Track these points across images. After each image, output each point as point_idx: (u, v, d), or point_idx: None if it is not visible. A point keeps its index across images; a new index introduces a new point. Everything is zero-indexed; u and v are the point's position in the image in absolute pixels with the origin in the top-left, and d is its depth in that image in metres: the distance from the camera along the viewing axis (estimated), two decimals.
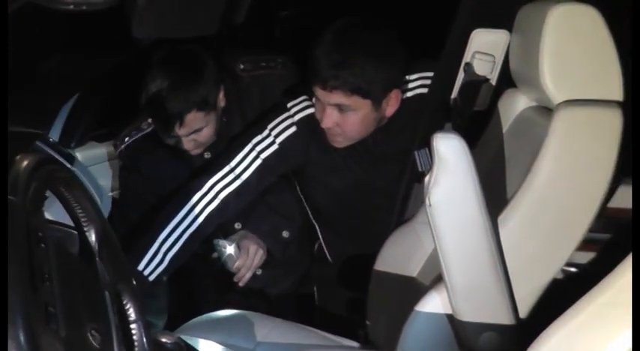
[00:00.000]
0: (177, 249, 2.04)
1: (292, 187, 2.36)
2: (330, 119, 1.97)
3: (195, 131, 2.10)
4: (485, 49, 1.88)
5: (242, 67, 2.25)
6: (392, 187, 2.12)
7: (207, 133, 2.13)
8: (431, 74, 2.05)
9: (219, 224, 2.16)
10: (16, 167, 0.98)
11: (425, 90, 2.07)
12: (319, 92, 1.95)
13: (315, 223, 2.37)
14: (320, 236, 2.39)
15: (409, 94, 2.06)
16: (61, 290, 1.01)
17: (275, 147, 2.09)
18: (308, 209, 2.36)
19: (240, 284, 2.25)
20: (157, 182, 2.27)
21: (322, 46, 1.91)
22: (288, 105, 2.12)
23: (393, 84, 1.96)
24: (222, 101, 2.15)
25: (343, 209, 2.27)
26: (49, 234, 1.08)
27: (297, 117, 2.10)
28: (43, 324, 0.92)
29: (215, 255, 2.26)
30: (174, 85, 2.01)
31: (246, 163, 2.08)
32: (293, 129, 2.10)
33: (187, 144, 2.14)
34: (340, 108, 1.94)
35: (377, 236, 2.09)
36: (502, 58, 1.88)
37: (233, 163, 2.09)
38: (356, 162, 2.14)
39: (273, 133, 2.10)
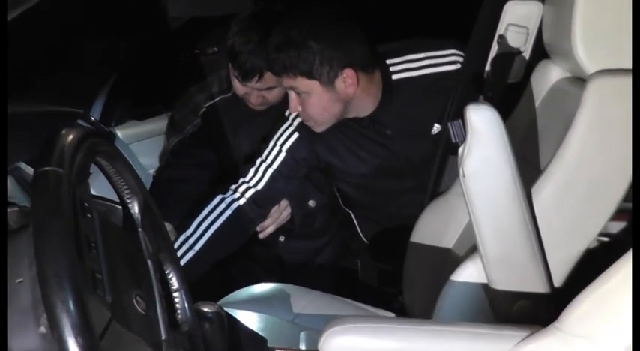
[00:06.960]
0: (194, 253, 2.07)
1: None
2: (293, 103, 2.02)
3: (268, 88, 2.19)
4: (518, 21, 1.89)
5: None
6: (418, 167, 2.14)
7: (276, 94, 2.22)
8: (439, 53, 2.08)
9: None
10: (62, 140, 1.00)
11: (432, 70, 2.09)
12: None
13: (349, 210, 2.39)
14: (354, 221, 2.40)
15: (414, 73, 2.09)
16: (106, 258, 1.04)
17: (283, 155, 2.14)
18: (339, 197, 2.38)
19: (261, 236, 2.28)
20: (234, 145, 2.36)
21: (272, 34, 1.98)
22: (286, 114, 2.16)
23: (342, 64, 1.96)
24: None
25: (370, 197, 2.29)
26: (94, 206, 1.12)
27: (295, 123, 2.14)
28: (90, 289, 0.96)
29: None
30: (264, 42, 2.06)
31: (259, 176, 2.13)
32: (296, 135, 2.14)
33: (255, 98, 2.23)
34: (296, 91, 1.99)
35: (409, 218, 2.11)
36: (536, 29, 1.88)
37: (247, 178, 2.14)
38: (368, 151, 2.16)
39: (279, 142, 2.14)
